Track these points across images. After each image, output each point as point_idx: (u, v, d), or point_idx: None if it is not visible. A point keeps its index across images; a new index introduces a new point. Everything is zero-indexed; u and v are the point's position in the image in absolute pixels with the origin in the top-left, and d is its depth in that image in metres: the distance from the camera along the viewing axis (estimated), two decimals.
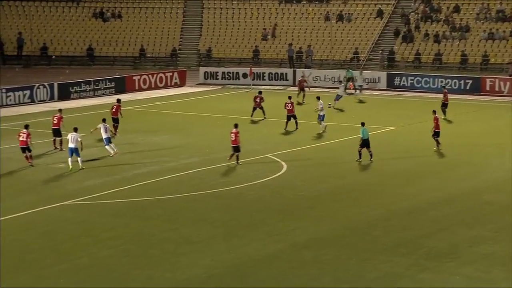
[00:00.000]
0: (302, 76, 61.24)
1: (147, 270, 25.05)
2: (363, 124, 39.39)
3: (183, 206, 32.16)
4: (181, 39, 78.69)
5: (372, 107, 56.39)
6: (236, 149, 38.45)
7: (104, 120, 40.95)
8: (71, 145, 37.34)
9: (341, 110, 53.87)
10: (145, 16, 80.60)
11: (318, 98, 47.50)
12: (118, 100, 46.70)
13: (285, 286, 23.96)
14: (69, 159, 37.41)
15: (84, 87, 60.28)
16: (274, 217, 30.48)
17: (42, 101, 57.01)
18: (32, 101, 56.53)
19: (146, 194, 33.68)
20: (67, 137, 38.10)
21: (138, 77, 64.79)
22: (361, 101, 58.57)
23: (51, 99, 57.69)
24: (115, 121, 45.32)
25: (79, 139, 37.44)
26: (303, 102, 55.76)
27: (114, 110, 45.60)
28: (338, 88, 57.11)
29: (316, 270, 25.10)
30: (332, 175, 37.16)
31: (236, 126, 39.16)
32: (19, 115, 51.96)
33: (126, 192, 34.08)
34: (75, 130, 37.93)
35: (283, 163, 38.86)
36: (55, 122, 41.50)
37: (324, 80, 65.62)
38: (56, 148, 41.42)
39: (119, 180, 35.92)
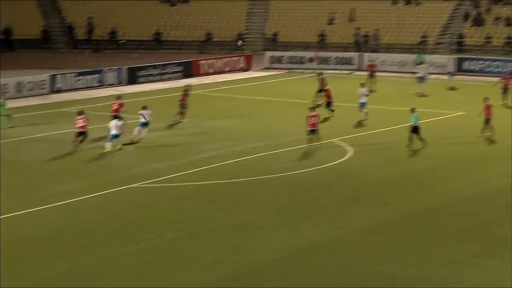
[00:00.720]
0: (370, 60, 60.67)
1: (213, 253, 25.22)
2: (413, 110, 39.00)
3: (249, 190, 32.27)
4: (247, 23, 78.72)
5: (441, 92, 55.71)
6: (314, 132, 38.48)
7: (144, 107, 40.96)
8: (113, 131, 37.93)
9: (413, 95, 53.25)
10: (212, 1, 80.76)
11: (362, 84, 46.60)
12: (187, 87, 46.36)
13: (349, 270, 23.90)
14: (109, 143, 37.94)
15: (151, 71, 60.78)
16: (339, 202, 30.42)
17: (110, 85, 57.64)
18: (101, 84, 57.22)
19: (212, 178, 33.88)
20: (109, 124, 38.50)
21: (205, 61, 65.09)
22: (452, 88, 57.23)
23: (120, 83, 58.30)
24: (183, 106, 45.20)
25: (119, 124, 38.18)
26: (372, 91, 53.90)
27: (181, 96, 45.47)
28: (416, 72, 55.60)
29: (381, 255, 24.99)
30: (398, 160, 36.89)
31: (312, 109, 39.30)
32: (88, 98, 52.64)
33: (192, 175, 34.33)
34: (116, 117, 39.07)
35: (348, 147, 38.70)
36: (114, 108, 41.60)
37: (391, 65, 65.04)
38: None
39: (185, 164, 36.20)
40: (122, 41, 76.70)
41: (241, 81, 61.26)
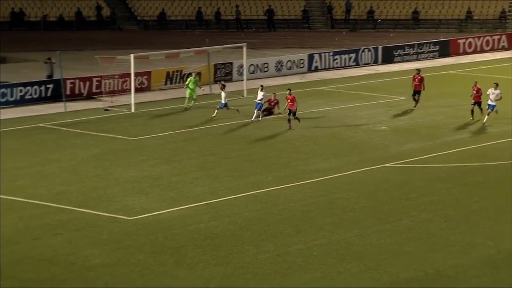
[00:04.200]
0: None
1: (467, 237, 24.95)
2: None
3: (505, 173, 31.48)
4: (511, 1, 76.25)
5: None
6: None
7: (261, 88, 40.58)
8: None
9: None
10: None
11: None
12: (418, 70, 44.39)
13: None
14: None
15: (407, 51, 60.50)
16: None
17: (366, 64, 58.02)
18: (356, 64, 57.71)
19: (467, 160, 33.40)
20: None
21: (463, 40, 63.87)
22: None
23: (375, 62, 58.51)
24: (418, 93, 43.19)
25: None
26: None
27: (417, 82, 43.26)
28: None
29: None
30: None
31: None
32: (343, 77, 53.31)
33: (446, 156, 34.01)
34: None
35: None
36: (289, 102, 38.88)
37: None
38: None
39: (440, 144, 35.90)
40: (379, 21, 76.80)
41: (502, 61, 59.46)
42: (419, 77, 43.12)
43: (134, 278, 21.99)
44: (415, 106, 42.82)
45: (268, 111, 41.05)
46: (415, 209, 27.54)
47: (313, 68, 55.55)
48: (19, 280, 21.85)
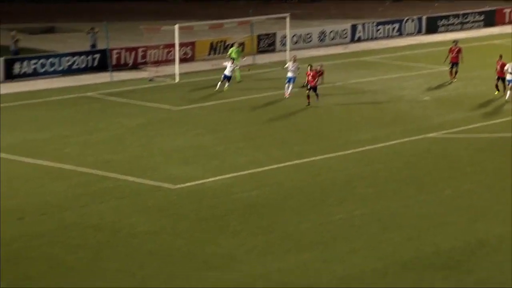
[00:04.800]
0: None
1: (510, 207, 24.88)
2: None
3: None
4: None
5: None
6: None
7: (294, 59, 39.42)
8: (289, 74, 38.46)
9: None
10: None
11: None
12: (455, 42, 43.49)
13: None
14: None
15: (452, 21, 60.05)
16: None
17: (410, 34, 57.72)
18: (400, 34, 57.43)
19: (511, 130, 33.27)
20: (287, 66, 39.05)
21: (510, 9, 63.20)
22: None
23: (419, 32, 58.18)
24: (456, 65, 42.47)
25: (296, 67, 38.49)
26: None
27: (454, 54, 42.38)
28: None
29: None
30: None
31: None
32: (386, 48, 53.10)
33: (489, 127, 33.93)
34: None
35: None
36: (310, 78, 37.73)
37: None
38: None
39: (482, 115, 35.85)
40: None
41: None
42: (456, 49, 42.62)
43: (178, 246, 22.38)
44: (452, 79, 42.29)
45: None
46: (457, 179, 27.60)
47: (356, 38, 55.40)
48: (67, 245, 22.36)
